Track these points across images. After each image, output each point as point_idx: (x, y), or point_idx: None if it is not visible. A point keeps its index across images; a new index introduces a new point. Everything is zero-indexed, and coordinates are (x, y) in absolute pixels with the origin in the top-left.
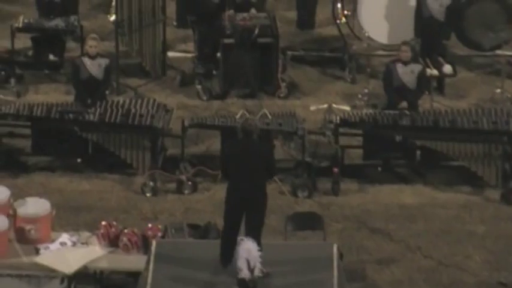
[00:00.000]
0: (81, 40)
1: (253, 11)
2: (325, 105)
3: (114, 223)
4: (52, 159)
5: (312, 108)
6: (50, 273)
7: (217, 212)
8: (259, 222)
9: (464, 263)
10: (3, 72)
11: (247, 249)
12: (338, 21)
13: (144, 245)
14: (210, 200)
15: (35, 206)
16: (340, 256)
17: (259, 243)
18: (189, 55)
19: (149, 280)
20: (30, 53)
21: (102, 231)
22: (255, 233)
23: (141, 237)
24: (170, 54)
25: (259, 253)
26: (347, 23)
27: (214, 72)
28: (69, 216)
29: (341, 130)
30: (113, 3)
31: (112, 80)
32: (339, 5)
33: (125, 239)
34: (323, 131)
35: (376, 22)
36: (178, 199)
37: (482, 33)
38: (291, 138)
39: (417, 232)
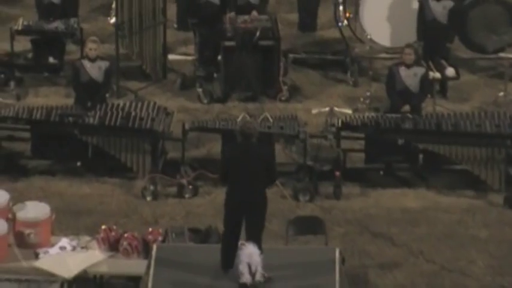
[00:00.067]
0: (81, 43)
1: (254, 13)
2: (327, 109)
3: (114, 227)
4: (52, 163)
5: (314, 111)
6: (50, 277)
7: (218, 216)
8: (260, 226)
9: (467, 268)
10: (2, 75)
11: (249, 254)
12: (340, 24)
13: (144, 250)
14: (211, 204)
15: (35, 210)
16: (342, 260)
17: (260, 248)
18: (190, 58)
19: (149, 285)
20: (29, 55)
21: (102, 235)
22: (255, 238)
23: (142, 241)
24: (171, 57)
25: (261, 258)
26: (349, 25)
27: (215, 75)
28: (69, 220)
29: (343, 133)
30: (113, 6)
31: (112, 82)
32: (341, 8)
33: (125, 243)
34: (325, 134)
35: (378, 25)
36: (179, 203)
37: (486, 35)
38: (293, 142)
39: (420, 236)
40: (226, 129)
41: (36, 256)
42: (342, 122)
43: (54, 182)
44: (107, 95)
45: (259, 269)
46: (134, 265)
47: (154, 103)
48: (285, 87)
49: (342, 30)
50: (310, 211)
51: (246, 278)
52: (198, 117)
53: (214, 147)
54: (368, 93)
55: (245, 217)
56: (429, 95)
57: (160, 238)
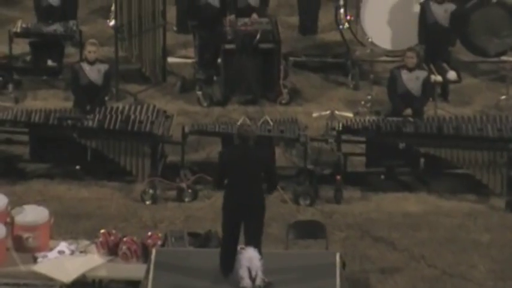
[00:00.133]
0: (80, 45)
1: (254, 16)
2: (328, 112)
3: (113, 231)
4: (50, 166)
5: (314, 114)
6: (48, 282)
7: (218, 220)
8: (259, 230)
9: (468, 272)
10: (0, 78)
11: (249, 258)
12: (341, 27)
13: (143, 254)
14: (210, 207)
15: (33, 214)
16: (343, 265)
17: (259, 252)
18: (190, 61)
19: None
20: (28, 58)
21: (101, 239)
22: (255, 242)
23: (141, 245)
24: (170, 59)
25: (261, 262)
26: (350, 28)
27: (215, 78)
28: (67, 224)
29: (344, 137)
30: (113, 8)
31: (111, 85)
32: (342, 10)
33: (124, 247)
34: (325, 138)
35: (379, 28)
36: (178, 207)
37: (487, 39)
38: (293, 145)
39: (421, 241)
40: (226, 133)
41: (35, 260)
42: (343, 125)
43: (53, 186)
44: (106, 98)
45: (260, 273)
46: (133, 269)
47: (154, 106)
48: (285, 91)
49: (342, 33)
50: (311, 215)
51: (246, 282)
52: (198, 121)
53: (214, 150)
54: (369, 97)
55: (243, 221)
56: (431, 99)
57: (159, 242)
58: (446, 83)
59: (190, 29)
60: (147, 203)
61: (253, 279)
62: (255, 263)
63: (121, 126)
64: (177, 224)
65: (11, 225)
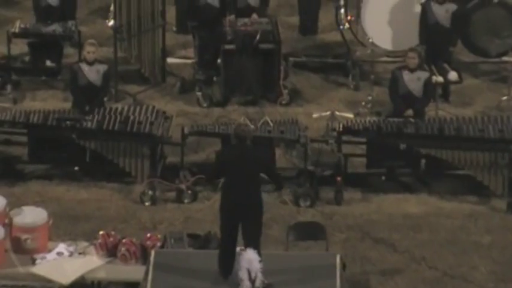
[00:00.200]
0: (79, 46)
1: (254, 16)
2: (328, 113)
3: (112, 233)
4: (49, 168)
5: (315, 115)
6: (47, 283)
7: (217, 221)
8: (257, 231)
9: (469, 274)
10: None
11: (248, 260)
12: (341, 27)
13: (142, 255)
14: (210, 209)
15: (32, 215)
16: (343, 267)
17: (259, 253)
18: (189, 61)
19: None
20: (27, 58)
21: (100, 240)
22: (253, 243)
23: (140, 247)
24: (170, 60)
25: (260, 264)
26: (350, 28)
27: (214, 78)
28: (66, 226)
29: (344, 138)
30: (112, 8)
31: (110, 86)
32: (342, 11)
33: (123, 249)
34: (326, 138)
35: (380, 28)
36: (177, 208)
37: (489, 39)
38: (293, 146)
39: (422, 242)
40: (226, 134)
41: (33, 262)
42: (343, 126)
43: (52, 187)
44: (105, 99)
45: (259, 275)
46: (132, 271)
47: (153, 107)
48: (285, 91)
49: (343, 34)
50: (311, 216)
51: (246, 284)
52: (198, 121)
53: (213, 151)
54: (369, 97)
55: (241, 221)
56: (432, 100)
57: (158, 244)
58: (447, 83)
59: (189, 30)
60: (147, 204)
61: (252, 281)
62: (255, 265)
63: (120, 127)
64: (176, 226)
65: (9, 226)
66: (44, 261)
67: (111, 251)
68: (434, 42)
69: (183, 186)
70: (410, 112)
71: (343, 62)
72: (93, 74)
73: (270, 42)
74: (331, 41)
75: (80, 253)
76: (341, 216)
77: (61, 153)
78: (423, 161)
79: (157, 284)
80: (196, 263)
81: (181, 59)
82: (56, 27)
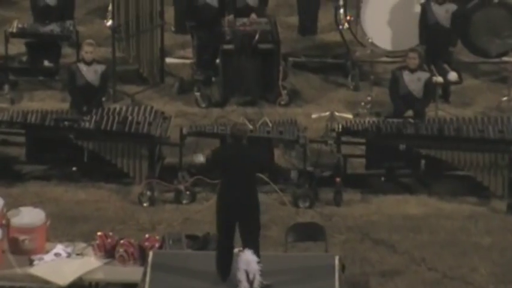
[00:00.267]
0: (77, 46)
1: (253, 16)
2: (327, 113)
3: (111, 234)
4: (47, 168)
5: (314, 116)
6: (44, 285)
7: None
8: (255, 230)
9: (469, 276)
10: None
11: (246, 261)
12: (341, 27)
13: (141, 256)
14: (209, 210)
15: (30, 216)
16: (342, 268)
17: (257, 254)
18: (188, 61)
19: None
20: (24, 58)
21: (98, 242)
22: (252, 243)
23: (138, 248)
24: (168, 60)
25: (259, 265)
26: (350, 28)
27: (213, 79)
28: (64, 227)
29: (343, 139)
30: (110, 8)
31: (108, 86)
32: (342, 11)
33: (121, 250)
34: (325, 139)
35: (379, 28)
36: (176, 209)
37: (489, 39)
38: (292, 147)
39: (422, 244)
40: (225, 134)
41: (31, 263)
42: (343, 127)
43: (50, 188)
44: (103, 99)
45: (257, 276)
46: (130, 272)
47: (152, 107)
48: (284, 92)
49: (342, 34)
50: (310, 217)
51: (244, 285)
52: (196, 122)
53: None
54: (369, 98)
55: (238, 220)
56: (432, 100)
57: (157, 245)
58: (447, 84)
59: (188, 29)
60: (145, 205)
61: (251, 282)
62: (253, 266)
63: (118, 128)
64: (174, 227)
65: (7, 227)
66: (42, 262)
67: (109, 252)
68: (434, 42)
69: (181, 187)
70: (410, 113)
71: (342, 63)
72: (91, 74)
73: (269, 43)
74: (330, 41)
75: (77, 254)
76: (340, 217)
77: (59, 154)
78: (423, 162)
79: (155, 285)
80: (195, 264)
81: (180, 59)
82: (53, 27)
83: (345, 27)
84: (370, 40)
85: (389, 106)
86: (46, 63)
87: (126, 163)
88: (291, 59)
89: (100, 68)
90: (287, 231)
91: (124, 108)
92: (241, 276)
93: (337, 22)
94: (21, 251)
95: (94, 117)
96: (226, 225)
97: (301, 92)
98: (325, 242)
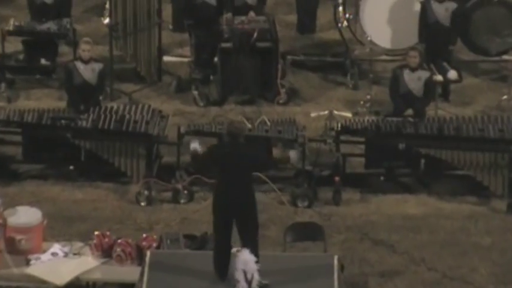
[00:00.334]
0: (74, 44)
1: (252, 14)
2: (326, 112)
3: (108, 233)
4: (44, 167)
5: (313, 115)
6: (41, 284)
7: None
8: (253, 229)
9: (469, 276)
10: None
11: (244, 261)
12: (340, 25)
13: (138, 256)
14: (206, 209)
15: (26, 216)
16: (341, 268)
17: (256, 253)
18: (186, 60)
19: None
20: (21, 57)
21: (95, 241)
22: (251, 242)
23: (136, 247)
24: (166, 58)
25: (257, 265)
26: (349, 27)
27: (211, 77)
28: (61, 227)
29: (342, 138)
30: (107, 6)
31: (106, 85)
32: (341, 8)
33: (118, 249)
34: (324, 138)
35: (379, 26)
36: (174, 208)
37: (489, 38)
38: (291, 146)
39: (421, 244)
40: (223, 133)
41: (28, 263)
42: (342, 125)
43: (46, 187)
44: (101, 98)
45: (256, 276)
46: (128, 272)
47: (149, 106)
48: (283, 90)
49: (341, 32)
50: (309, 217)
51: (242, 285)
52: (194, 121)
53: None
54: (368, 97)
55: (235, 220)
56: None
57: (154, 244)
58: (446, 82)
59: (186, 28)
60: (142, 204)
61: (249, 282)
62: (251, 266)
63: (115, 127)
64: (172, 226)
65: (3, 227)
66: (39, 262)
67: (106, 252)
68: (434, 41)
69: (179, 186)
70: (410, 112)
71: (341, 61)
72: (88, 72)
73: (267, 41)
74: (329, 40)
75: (74, 254)
76: (339, 217)
77: (56, 153)
78: (422, 161)
79: (152, 285)
80: (193, 264)
81: (178, 58)
82: (50, 25)
83: (344, 25)
84: (369, 38)
85: (388, 105)
86: (43, 61)
87: (123, 162)
88: (289, 57)
89: (97, 66)
90: (286, 230)
91: (121, 107)
92: (239, 276)
93: (336, 20)
94: (17, 251)
95: (91, 116)
96: (223, 224)
97: (300, 90)
98: (324, 242)
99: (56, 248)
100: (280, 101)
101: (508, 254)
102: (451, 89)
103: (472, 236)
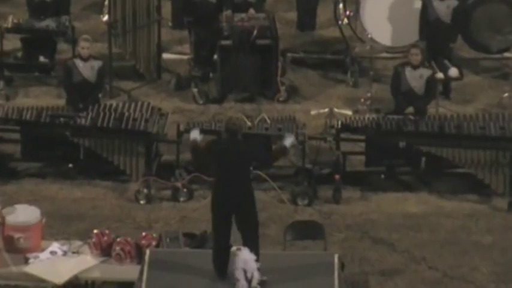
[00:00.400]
0: (73, 41)
1: (251, 11)
2: (326, 110)
3: (107, 232)
4: (42, 165)
5: (313, 112)
6: (40, 283)
7: None
8: (253, 226)
9: (470, 275)
10: None
11: (244, 260)
12: (340, 23)
13: (137, 255)
14: (206, 208)
15: (25, 214)
16: (342, 267)
17: (257, 251)
18: (185, 57)
19: None
20: (19, 54)
21: (94, 240)
22: (251, 240)
23: (135, 246)
24: (165, 56)
25: (257, 264)
26: (349, 24)
27: (211, 75)
28: (60, 225)
29: (343, 136)
30: (106, 3)
31: (105, 83)
32: (341, 6)
33: (117, 248)
34: (324, 136)
35: (379, 23)
36: (173, 207)
37: (490, 35)
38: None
39: (422, 242)
40: (223, 131)
41: (26, 261)
42: (342, 123)
43: (45, 185)
44: (100, 96)
45: (255, 275)
46: (127, 270)
47: (148, 104)
48: (283, 88)
49: (342, 29)
50: (309, 216)
51: (242, 284)
52: (194, 119)
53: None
54: (369, 94)
55: (234, 217)
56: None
57: (154, 243)
58: (447, 80)
59: (186, 25)
60: (142, 202)
61: (249, 281)
62: (251, 265)
63: (114, 124)
64: (172, 224)
65: (2, 225)
66: (37, 260)
67: (105, 251)
68: (435, 38)
69: (178, 185)
70: (411, 109)
71: (341, 59)
72: (87, 70)
73: (267, 38)
74: (329, 37)
75: (73, 252)
76: (339, 216)
77: (54, 151)
78: (423, 159)
79: (152, 284)
80: (192, 263)
81: (177, 55)
82: (49, 23)
83: (344, 22)
84: (369, 36)
85: (389, 102)
86: (41, 59)
87: (122, 160)
88: (289, 55)
89: (97, 64)
90: (286, 229)
91: (120, 105)
92: (239, 274)
93: (336, 17)
94: (16, 250)
95: (90, 113)
96: (222, 222)
97: (300, 88)
98: (324, 241)
99: (55, 246)
100: (280, 99)
101: (509, 253)
102: (452, 86)
103: (472, 235)
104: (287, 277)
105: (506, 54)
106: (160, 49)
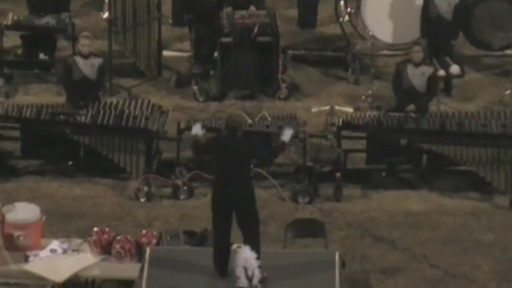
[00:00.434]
0: (73, 39)
1: (252, 8)
2: (327, 107)
3: (107, 229)
4: (42, 163)
5: (314, 110)
6: (40, 281)
7: None
8: (253, 223)
9: (471, 273)
10: None
11: (244, 258)
12: (341, 20)
13: (137, 253)
14: (206, 205)
15: (25, 212)
16: (343, 265)
17: (258, 247)
18: (186, 54)
19: None
20: (19, 51)
21: (94, 237)
22: (252, 237)
23: (135, 244)
24: (166, 53)
25: (258, 261)
26: (350, 21)
27: (211, 72)
28: (60, 223)
29: (344, 133)
30: (106, 0)
31: (105, 80)
32: (342, 3)
33: (117, 246)
34: (325, 134)
35: (380, 20)
36: (173, 205)
37: (491, 32)
38: (292, 142)
39: (423, 240)
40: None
41: (26, 259)
42: (343, 121)
43: (45, 183)
44: (100, 93)
45: (256, 273)
46: (127, 269)
47: (149, 101)
48: (283, 85)
49: (342, 26)
50: (310, 213)
51: (243, 282)
52: (194, 116)
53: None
54: (370, 92)
55: (235, 214)
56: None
57: (154, 241)
58: (449, 77)
59: (186, 22)
60: (142, 200)
61: (250, 279)
62: (251, 263)
63: (115, 122)
64: (172, 222)
65: (1, 223)
66: (37, 258)
67: (105, 248)
68: (436, 35)
69: (179, 182)
70: (412, 107)
71: (342, 56)
72: (88, 67)
73: (268, 35)
74: (330, 34)
75: (73, 250)
76: (340, 213)
77: (54, 149)
78: (424, 157)
79: (152, 282)
80: (193, 260)
81: (177, 52)
82: (49, 20)
83: (345, 19)
84: (370, 33)
85: (390, 100)
86: (41, 56)
87: (122, 158)
88: (290, 52)
89: (97, 61)
90: (286, 227)
91: (121, 102)
92: (240, 272)
93: (337, 14)
94: (16, 247)
95: (90, 111)
96: (222, 219)
97: (301, 85)
98: (324, 239)
99: (55, 244)
100: (281, 96)
101: (511, 251)
102: (454, 84)
103: (474, 233)
104: (288, 275)
105: (508, 52)
106: (161, 46)
